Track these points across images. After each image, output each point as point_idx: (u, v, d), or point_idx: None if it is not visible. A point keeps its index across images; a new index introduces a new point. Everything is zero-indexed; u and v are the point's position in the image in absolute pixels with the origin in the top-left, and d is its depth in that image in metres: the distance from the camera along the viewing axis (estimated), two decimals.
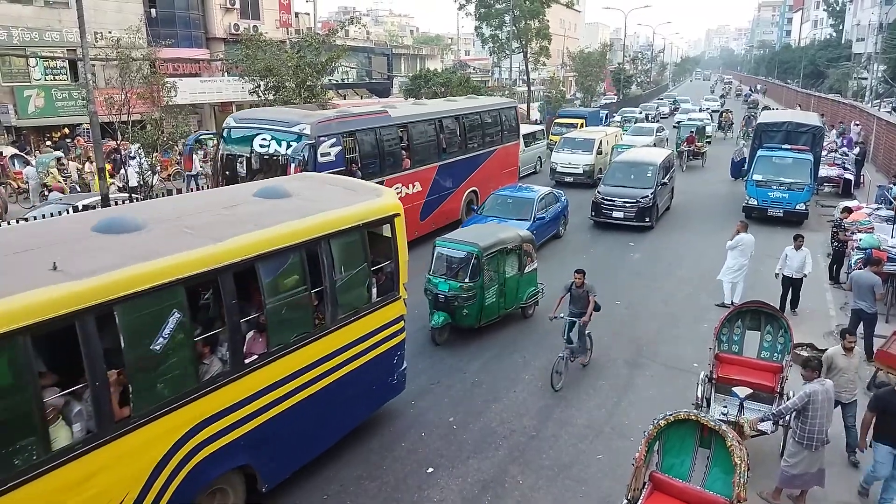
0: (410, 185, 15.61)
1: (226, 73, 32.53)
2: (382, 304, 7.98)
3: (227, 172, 13.63)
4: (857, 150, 25.52)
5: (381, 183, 13.55)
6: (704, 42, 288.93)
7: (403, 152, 15.45)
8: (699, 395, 8.06)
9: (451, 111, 18.04)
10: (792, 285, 12.37)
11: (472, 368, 10.29)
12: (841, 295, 13.37)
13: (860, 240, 13.75)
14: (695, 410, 5.66)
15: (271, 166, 12.96)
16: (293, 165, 12.43)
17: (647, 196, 18.03)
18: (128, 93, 21.09)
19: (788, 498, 7.17)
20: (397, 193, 14.01)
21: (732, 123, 39.72)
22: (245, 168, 13.28)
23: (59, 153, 22.82)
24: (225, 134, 13.89)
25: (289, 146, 12.72)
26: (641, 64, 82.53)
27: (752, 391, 7.23)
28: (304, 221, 6.97)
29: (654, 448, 5.94)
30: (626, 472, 7.64)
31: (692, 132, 29.36)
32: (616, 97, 62.10)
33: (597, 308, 9.99)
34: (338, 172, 12.49)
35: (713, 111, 47.21)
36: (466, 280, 10.79)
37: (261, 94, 22.07)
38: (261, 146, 13.05)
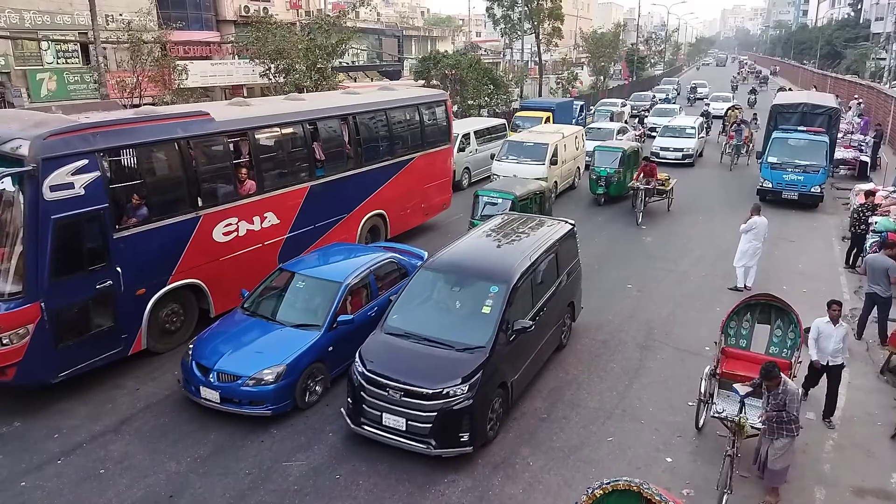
0: (256, 219, 11.13)
1: (236, 56, 32.46)
2: None
3: None
4: (873, 133, 25.15)
5: (195, 220, 10.05)
6: (720, 22, 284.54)
7: (242, 172, 10.96)
8: (702, 391, 7.93)
9: (334, 110, 13.09)
10: (828, 377, 8.27)
11: None
12: (855, 279, 13.25)
13: (876, 223, 13.64)
14: (637, 480, 4.87)
15: None
16: None
17: (469, 380, 7.43)
18: (139, 76, 21.16)
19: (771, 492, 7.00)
20: (231, 232, 10.67)
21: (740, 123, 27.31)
22: None
23: None
24: None
25: None
26: (655, 45, 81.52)
27: (752, 388, 6.88)
28: None
29: None
30: (636, 454, 7.72)
31: (648, 162, 18.05)
32: (627, 80, 61.43)
33: None
34: (95, 213, 8.62)
35: (714, 116, 33.70)
36: None
37: (271, 77, 22.06)
38: None
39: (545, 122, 25.54)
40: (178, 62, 22.56)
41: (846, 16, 75.47)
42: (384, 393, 7.52)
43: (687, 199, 19.60)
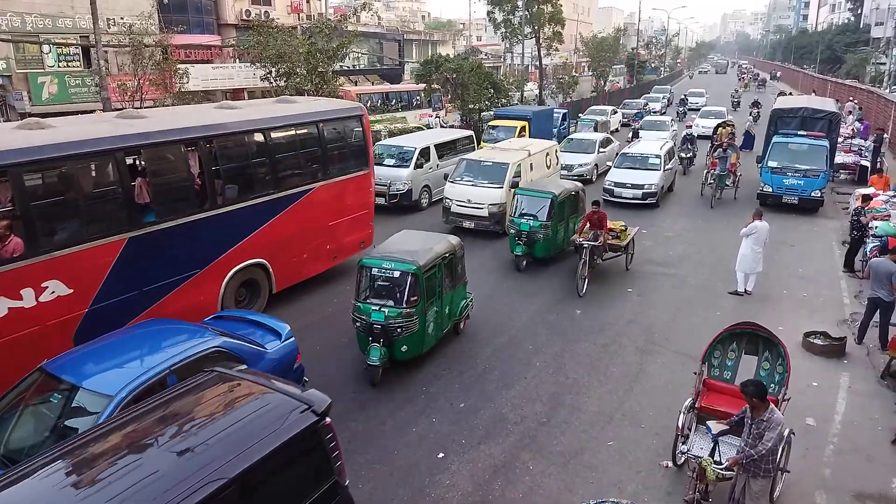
0: (28, 292, 7.94)
1: (237, 60, 32.56)
2: None
3: None
4: (873, 136, 25.18)
5: None
6: (720, 26, 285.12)
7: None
8: (680, 425, 7.33)
9: (178, 132, 9.80)
10: None
11: (484, 355, 10.30)
12: (855, 283, 13.24)
13: (876, 227, 13.65)
14: (625, 502, 4.85)
15: None
16: None
17: None
18: (140, 79, 21.23)
19: None
20: None
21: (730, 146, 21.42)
22: None
23: None
24: None
25: None
26: (656, 49, 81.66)
27: (727, 427, 6.30)
28: None
29: None
30: (637, 459, 7.71)
31: (596, 208, 13.25)
32: (629, 83, 61.54)
33: None
34: None
35: (700, 136, 28.19)
36: None
37: (272, 81, 22.11)
38: None
39: (519, 133, 22.98)
40: (179, 66, 22.63)
41: (846, 20, 75.72)
42: None
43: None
